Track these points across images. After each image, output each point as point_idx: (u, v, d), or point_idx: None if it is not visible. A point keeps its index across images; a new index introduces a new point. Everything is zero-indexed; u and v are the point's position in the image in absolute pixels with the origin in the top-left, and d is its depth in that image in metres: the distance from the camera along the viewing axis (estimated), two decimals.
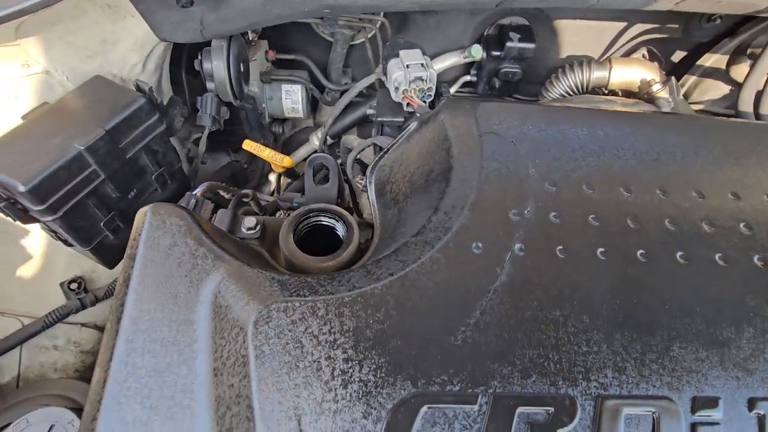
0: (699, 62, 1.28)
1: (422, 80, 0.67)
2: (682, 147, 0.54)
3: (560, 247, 0.46)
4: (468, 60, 1.28)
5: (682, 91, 1.30)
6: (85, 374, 0.99)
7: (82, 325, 1.01)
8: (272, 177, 1.50)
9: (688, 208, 0.50)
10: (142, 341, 0.42)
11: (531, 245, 0.46)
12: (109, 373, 0.41)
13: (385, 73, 0.76)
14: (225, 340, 0.42)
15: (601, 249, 0.46)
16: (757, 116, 0.90)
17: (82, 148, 0.66)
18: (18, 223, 0.72)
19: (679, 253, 0.47)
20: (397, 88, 0.69)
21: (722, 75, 1.22)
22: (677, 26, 1.27)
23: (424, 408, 0.38)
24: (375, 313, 0.41)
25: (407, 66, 0.67)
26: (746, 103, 0.89)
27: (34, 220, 0.70)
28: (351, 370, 0.39)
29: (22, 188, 0.62)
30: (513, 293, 0.43)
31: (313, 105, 1.43)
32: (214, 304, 0.43)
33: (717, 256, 0.47)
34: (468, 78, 1.35)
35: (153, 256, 0.46)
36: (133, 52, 0.80)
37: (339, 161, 0.84)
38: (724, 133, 0.57)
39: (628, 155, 0.53)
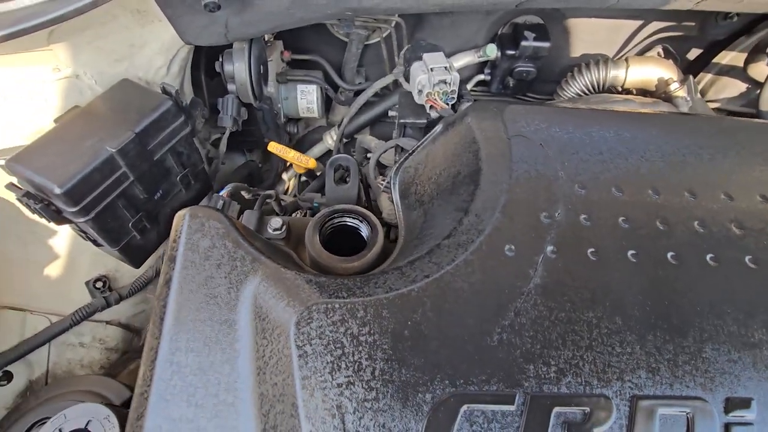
0: (715, 60, 1.27)
1: (446, 83, 0.67)
2: (710, 149, 0.54)
3: (591, 249, 0.47)
4: (482, 59, 1.29)
5: (699, 89, 1.29)
6: (110, 371, 1.01)
7: (107, 322, 1.03)
8: (285, 176, 1.51)
9: (717, 210, 0.50)
10: (185, 341, 0.44)
11: (563, 247, 0.47)
12: (154, 372, 0.43)
13: (407, 76, 0.77)
14: (267, 340, 0.43)
15: (632, 251, 0.47)
16: None
17: (114, 150, 0.68)
18: (46, 224, 0.74)
19: (709, 255, 0.47)
20: (420, 91, 0.70)
21: (739, 73, 1.21)
22: (693, 24, 1.27)
23: (464, 407, 0.39)
24: (412, 314, 0.42)
25: (431, 69, 0.68)
26: (767, 104, 0.89)
27: (67, 221, 0.72)
28: (391, 370, 0.40)
29: (57, 190, 0.63)
30: (546, 295, 0.44)
31: (327, 105, 1.44)
32: (254, 305, 0.45)
33: (747, 258, 0.47)
34: (482, 77, 1.36)
35: (193, 258, 0.47)
36: (158, 56, 0.81)
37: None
38: (751, 135, 0.57)
39: (656, 157, 0.53)
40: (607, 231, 0.48)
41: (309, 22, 0.83)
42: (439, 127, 0.64)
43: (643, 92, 1.18)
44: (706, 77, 1.31)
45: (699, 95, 1.09)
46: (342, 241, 0.68)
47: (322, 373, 0.40)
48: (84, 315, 0.95)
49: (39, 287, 0.96)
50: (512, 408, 0.39)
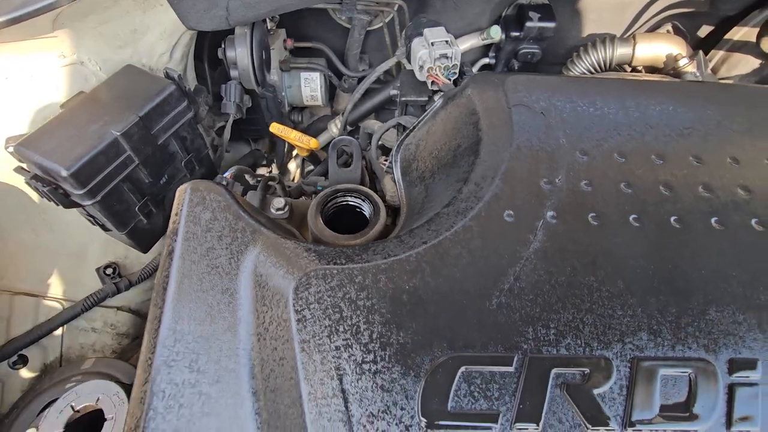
0: (727, 36, 1.24)
1: (447, 57, 0.67)
2: (716, 114, 0.53)
3: (593, 214, 0.46)
4: (487, 42, 1.27)
5: (710, 67, 1.26)
6: (121, 356, 1.03)
7: (118, 308, 1.05)
8: (291, 166, 1.52)
9: (722, 174, 0.49)
10: (188, 309, 0.44)
11: (563, 213, 0.46)
12: (158, 339, 0.44)
13: (408, 53, 0.76)
14: (267, 307, 0.43)
15: (634, 215, 0.46)
16: None
17: (118, 134, 0.69)
18: (57, 213, 0.76)
19: (714, 219, 0.46)
20: (421, 67, 0.69)
21: (751, 48, 1.18)
22: (703, 0, 1.23)
23: (462, 369, 0.39)
24: (411, 279, 0.42)
25: (432, 43, 0.67)
26: None
27: (75, 204, 0.73)
28: (389, 333, 0.40)
29: (64, 173, 0.65)
30: (546, 259, 0.44)
31: (331, 93, 1.44)
32: (254, 274, 0.45)
33: (753, 221, 0.46)
34: (486, 60, 1.34)
35: (194, 230, 0.48)
36: (161, 42, 0.82)
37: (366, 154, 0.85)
38: (756, 101, 0.55)
39: (660, 124, 0.52)
40: (608, 196, 0.47)
41: (310, 4, 0.83)
42: (439, 102, 0.63)
43: (652, 70, 1.16)
44: (717, 54, 1.27)
45: (710, 71, 1.06)
46: (345, 220, 0.68)
47: (321, 336, 0.40)
48: (95, 301, 0.97)
49: (51, 274, 0.98)
50: (511, 369, 0.39)
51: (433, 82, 0.70)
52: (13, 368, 0.91)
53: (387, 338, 0.40)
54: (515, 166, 0.49)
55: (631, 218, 0.46)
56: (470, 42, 1.28)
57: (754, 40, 1.16)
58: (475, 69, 1.36)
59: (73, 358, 0.99)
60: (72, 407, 0.63)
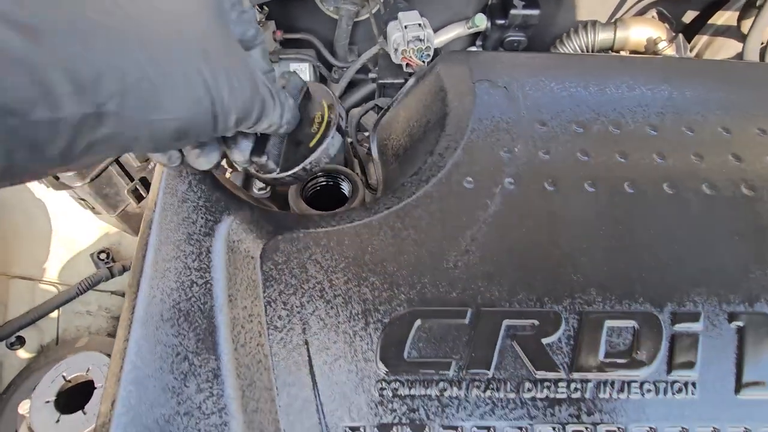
0: (711, 21, 1.25)
1: (420, 40, 0.69)
2: (672, 85, 0.55)
3: (549, 180, 0.49)
4: (473, 30, 1.29)
5: (695, 51, 1.27)
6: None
7: (112, 292, 1.08)
8: None
9: (678, 142, 0.51)
10: (163, 272, 0.47)
11: (520, 179, 0.48)
12: (137, 302, 0.46)
13: (385, 37, 0.78)
14: (238, 270, 0.46)
15: (589, 181, 0.48)
16: None
17: None
18: (51, 199, 0.79)
19: (665, 184, 0.48)
20: (396, 50, 0.72)
21: (734, 32, 1.19)
22: None
23: (418, 322, 0.41)
24: (372, 240, 0.45)
25: (405, 27, 0.70)
26: (753, 54, 0.88)
27: (65, 186, 0.76)
28: (351, 291, 0.43)
29: None
30: (502, 222, 0.46)
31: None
32: (227, 239, 0.48)
33: (704, 185, 0.48)
34: (474, 49, 1.36)
35: (171, 201, 0.50)
36: None
37: (349, 140, 0.88)
38: (713, 72, 0.57)
39: (618, 95, 0.54)
40: (564, 164, 0.49)
41: None
42: (411, 81, 0.66)
43: (635, 54, 1.17)
44: (702, 39, 1.29)
45: (690, 53, 1.07)
46: (324, 201, 0.71)
47: (287, 294, 0.43)
48: (89, 285, 1.00)
49: (46, 259, 1.01)
50: (464, 321, 0.41)
51: (407, 65, 0.72)
52: (11, 348, 0.94)
53: (349, 295, 0.43)
54: (476, 137, 0.51)
55: (585, 184, 0.48)
56: (456, 31, 1.30)
57: (736, 23, 1.17)
58: None
59: (69, 340, 1.02)
60: (63, 377, 0.66)
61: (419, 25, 0.69)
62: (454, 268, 0.44)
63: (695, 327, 0.41)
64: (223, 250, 0.47)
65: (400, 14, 0.71)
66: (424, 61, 0.71)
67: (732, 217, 0.47)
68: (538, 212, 0.47)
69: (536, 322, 0.41)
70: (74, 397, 0.66)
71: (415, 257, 0.44)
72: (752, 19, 1.05)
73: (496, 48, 1.34)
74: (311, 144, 0.47)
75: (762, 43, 0.96)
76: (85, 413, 0.60)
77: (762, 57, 0.89)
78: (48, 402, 0.63)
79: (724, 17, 1.23)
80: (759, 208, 0.47)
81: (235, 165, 0.49)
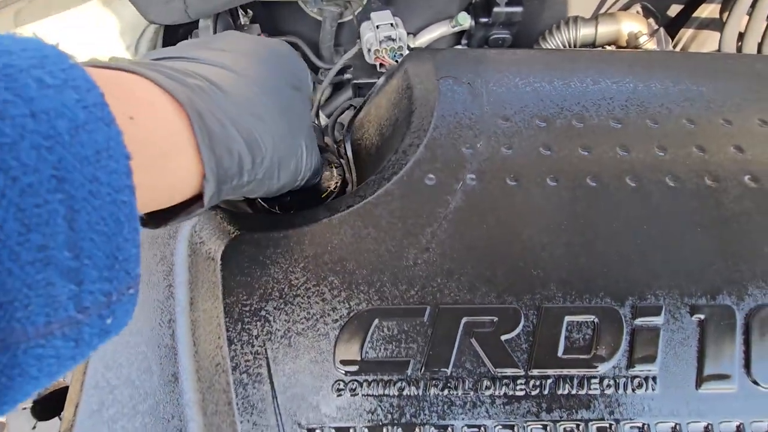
0: (695, 14, 1.25)
1: (392, 39, 0.69)
2: (638, 78, 0.55)
3: (511, 175, 0.48)
4: (457, 29, 1.29)
5: (680, 45, 1.27)
6: None
7: None
8: None
9: (641, 135, 0.51)
10: None
11: (482, 175, 0.48)
12: None
13: (359, 38, 0.78)
14: (199, 272, 0.46)
15: (551, 176, 0.48)
16: None
17: None
18: None
19: (628, 177, 0.48)
20: (369, 50, 0.72)
21: (717, 25, 1.18)
22: None
23: (376, 321, 0.41)
24: (332, 240, 0.45)
25: (377, 27, 0.70)
26: (729, 46, 0.87)
27: None
28: (310, 290, 0.43)
29: None
30: (463, 218, 0.46)
31: None
32: (190, 241, 0.48)
33: (667, 178, 0.48)
34: (459, 48, 1.36)
35: None
36: (124, 35, 0.85)
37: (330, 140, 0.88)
38: (680, 64, 0.57)
39: (582, 88, 0.54)
40: (527, 159, 0.49)
41: None
42: (381, 80, 0.66)
43: (619, 48, 1.17)
44: (687, 32, 1.28)
45: (672, 47, 1.07)
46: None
47: (246, 295, 0.43)
48: None
49: None
50: (423, 319, 0.41)
51: (381, 65, 0.72)
52: None
53: (308, 295, 0.43)
54: (438, 134, 0.51)
55: (548, 179, 0.48)
56: (440, 30, 1.30)
57: (719, 16, 1.16)
58: None
59: None
60: None
61: (391, 24, 0.69)
62: (413, 265, 0.43)
63: (656, 321, 0.41)
64: (185, 252, 0.47)
65: (373, 14, 0.71)
66: (397, 61, 0.71)
67: (695, 208, 0.46)
68: (499, 208, 0.46)
69: (495, 319, 0.41)
70: (51, 404, 0.66)
71: (374, 256, 0.44)
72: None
73: (482, 45, 1.33)
74: None
75: (744, 34, 0.95)
76: (61, 419, 0.60)
77: (739, 48, 0.89)
78: (25, 408, 0.63)
79: (707, 10, 1.22)
80: (722, 199, 0.47)
81: None
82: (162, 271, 0.47)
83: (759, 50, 0.90)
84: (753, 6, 0.89)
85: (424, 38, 1.30)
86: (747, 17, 0.90)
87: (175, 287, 0.46)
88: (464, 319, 0.41)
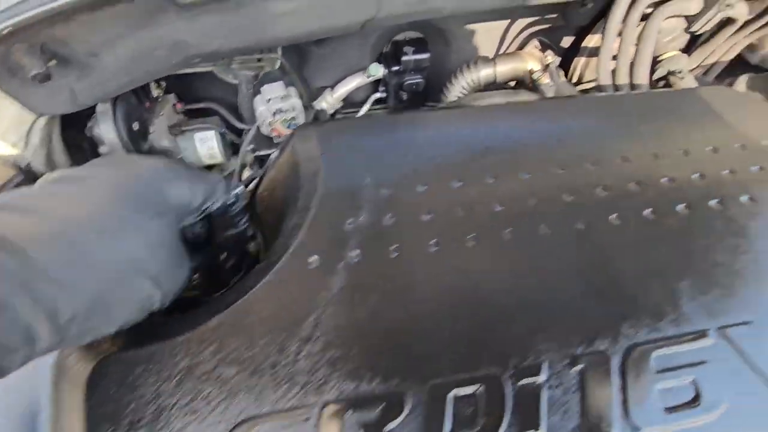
0: (584, 44, 1.36)
1: (283, 111, 0.70)
2: (510, 130, 0.58)
3: (394, 246, 0.48)
4: (371, 79, 1.33)
5: (576, 73, 1.37)
6: None
7: None
8: None
9: (515, 192, 0.52)
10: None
11: (365, 250, 0.48)
12: None
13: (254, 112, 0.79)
14: (64, 402, 0.42)
15: (433, 241, 0.49)
16: (616, 88, 0.97)
17: None
18: None
19: (506, 230, 0.49)
20: (263, 123, 0.72)
21: None
22: (556, 15, 1.36)
23: (256, 429, 0.39)
24: (208, 348, 0.42)
25: (268, 100, 0.70)
26: (604, 77, 0.95)
27: None
28: (185, 411, 0.40)
29: None
30: (347, 299, 0.45)
31: (235, 149, 1.45)
32: (57, 363, 0.44)
33: (541, 226, 0.50)
34: (378, 95, 1.41)
35: None
36: (11, 131, 0.81)
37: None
38: (551, 110, 0.61)
39: (461, 147, 0.56)
40: (409, 227, 0.50)
41: (159, 75, 0.85)
42: (275, 153, 0.66)
43: (520, 84, 1.25)
44: (581, 61, 1.40)
45: (564, 79, 1.15)
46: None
47: (118, 421, 0.39)
48: None
49: None
50: (305, 421, 0.39)
51: (278, 136, 0.73)
52: None
53: (182, 415, 0.40)
54: (321, 212, 0.50)
55: (430, 244, 0.49)
56: (356, 81, 1.34)
57: None
58: (369, 104, 1.42)
59: None
60: None
61: (281, 97, 0.70)
62: (294, 360, 0.42)
63: (538, 380, 0.41)
64: (50, 379, 0.43)
65: (263, 88, 0.72)
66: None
67: (570, 254, 0.48)
68: (382, 283, 0.46)
69: (381, 405, 0.40)
70: None
71: (253, 356, 0.42)
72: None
73: (398, 91, 1.39)
74: None
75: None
76: None
77: (612, 79, 0.97)
78: None
79: (594, 40, 1.34)
80: (594, 240, 0.49)
81: None
82: (25, 403, 0.42)
83: (630, 71, 0.98)
84: (620, 34, 0.98)
85: (342, 90, 1.34)
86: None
87: (40, 425, 0.41)
88: (348, 415, 0.39)
